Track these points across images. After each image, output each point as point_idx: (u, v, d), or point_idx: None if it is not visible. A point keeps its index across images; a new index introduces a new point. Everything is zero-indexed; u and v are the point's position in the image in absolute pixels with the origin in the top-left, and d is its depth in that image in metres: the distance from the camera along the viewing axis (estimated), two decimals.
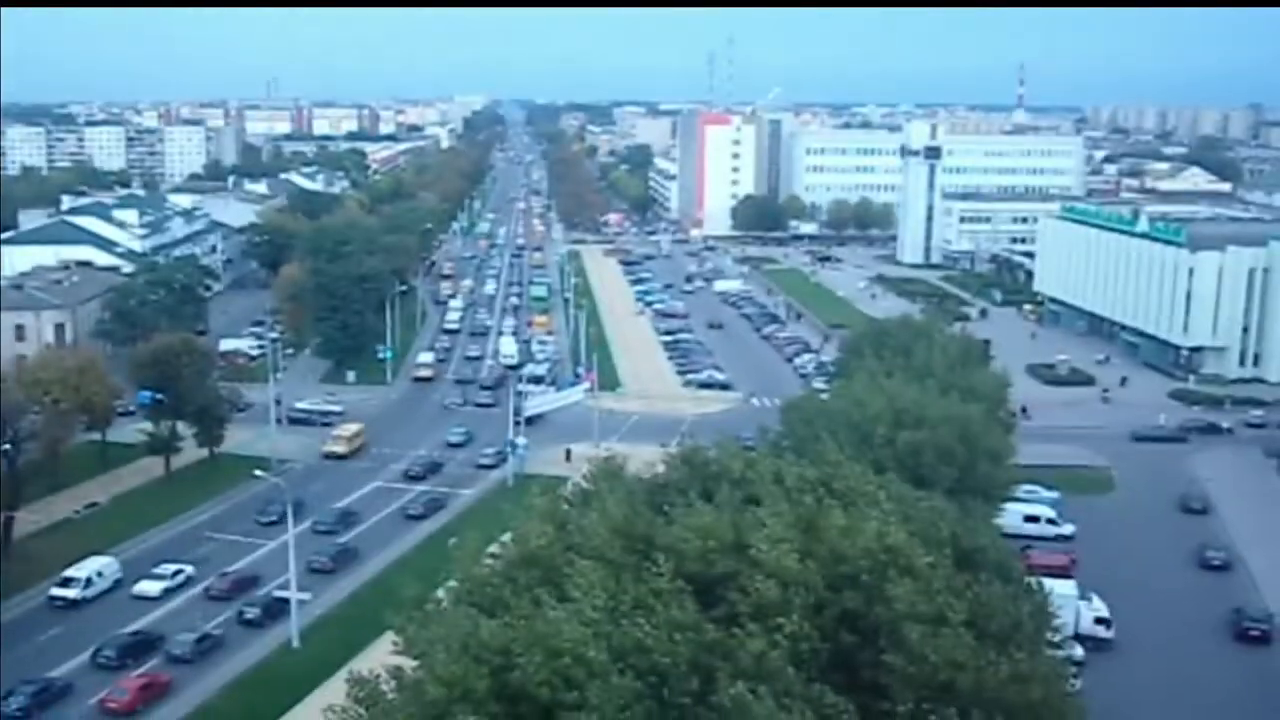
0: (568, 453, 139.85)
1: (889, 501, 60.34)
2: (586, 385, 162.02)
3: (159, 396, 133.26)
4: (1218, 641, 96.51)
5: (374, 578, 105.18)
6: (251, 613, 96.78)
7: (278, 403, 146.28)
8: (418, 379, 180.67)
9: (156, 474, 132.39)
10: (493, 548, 60.32)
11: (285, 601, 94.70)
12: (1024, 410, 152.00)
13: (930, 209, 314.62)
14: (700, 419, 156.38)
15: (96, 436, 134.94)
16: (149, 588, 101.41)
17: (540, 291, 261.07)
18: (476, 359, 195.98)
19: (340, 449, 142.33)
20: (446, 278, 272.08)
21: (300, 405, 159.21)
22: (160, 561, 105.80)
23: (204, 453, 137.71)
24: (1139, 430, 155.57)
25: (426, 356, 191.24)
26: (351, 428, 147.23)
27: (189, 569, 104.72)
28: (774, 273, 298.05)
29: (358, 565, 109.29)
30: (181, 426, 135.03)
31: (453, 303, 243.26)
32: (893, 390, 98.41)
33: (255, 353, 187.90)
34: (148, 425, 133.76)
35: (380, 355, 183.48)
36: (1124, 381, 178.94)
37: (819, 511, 56.36)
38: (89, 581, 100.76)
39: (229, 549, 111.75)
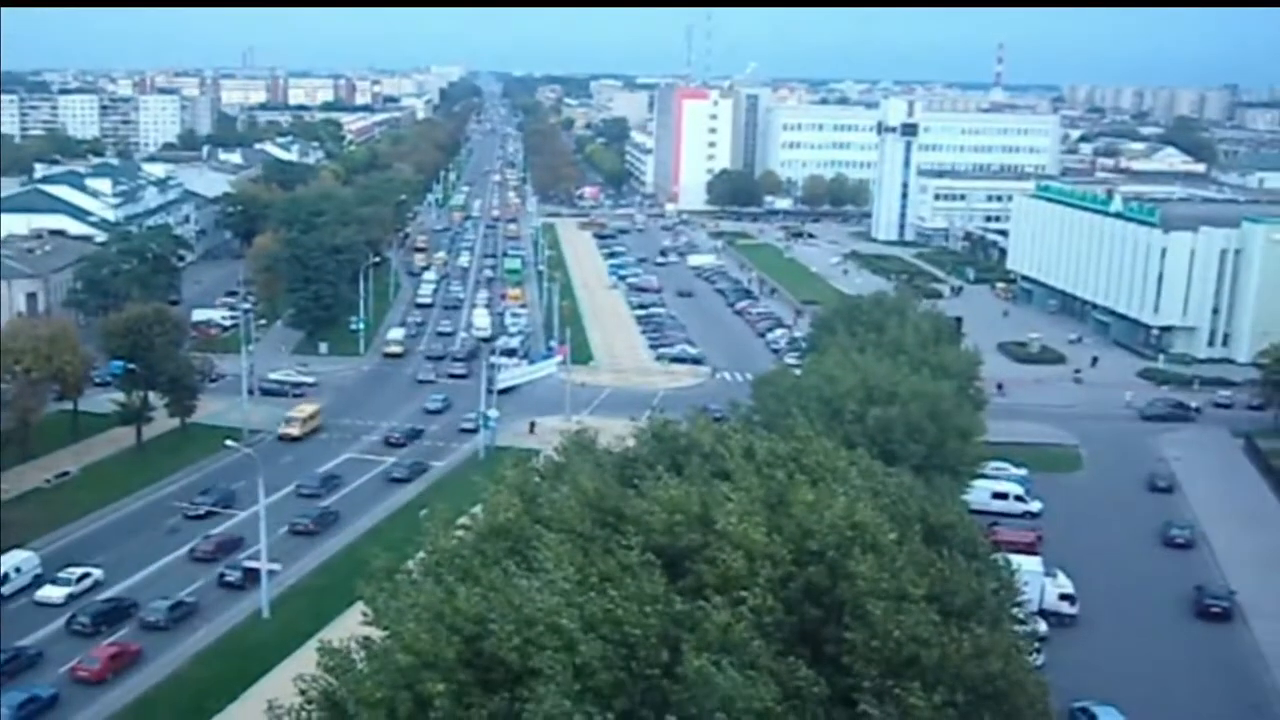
0: (531, 425, 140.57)
1: (858, 477, 60.75)
2: (559, 358, 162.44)
3: (131, 366, 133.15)
4: (1179, 618, 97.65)
5: (347, 547, 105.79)
6: (232, 575, 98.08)
7: (251, 373, 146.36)
8: (388, 355, 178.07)
9: (128, 444, 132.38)
10: (463, 519, 60.73)
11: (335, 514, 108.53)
12: (1000, 387, 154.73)
13: (905, 186, 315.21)
14: (672, 393, 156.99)
15: (68, 406, 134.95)
16: (52, 593, 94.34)
17: (514, 264, 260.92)
18: (448, 335, 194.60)
19: (294, 431, 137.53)
20: (420, 250, 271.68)
21: (273, 376, 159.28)
22: (66, 565, 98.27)
23: (175, 423, 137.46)
24: (1146, 410, 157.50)
25: (396, 333, 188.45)
26: (307, 408, 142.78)
27: (97, 573, 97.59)
28: (748, 248, 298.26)
29: (339, 528, 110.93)
30: (153, 397, 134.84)
31: (426, 275, 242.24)
32: (864, 366, 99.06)
33: (228, 323, 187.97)
34: (119, 395, 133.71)
35: (353, 327, 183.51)
36: (1095, 361, 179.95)
37: (788, 486, 56.68)
38: (4, 578, 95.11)
39: (199, 518, 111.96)
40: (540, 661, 44.46)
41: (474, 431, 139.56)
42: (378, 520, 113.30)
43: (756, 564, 50.75)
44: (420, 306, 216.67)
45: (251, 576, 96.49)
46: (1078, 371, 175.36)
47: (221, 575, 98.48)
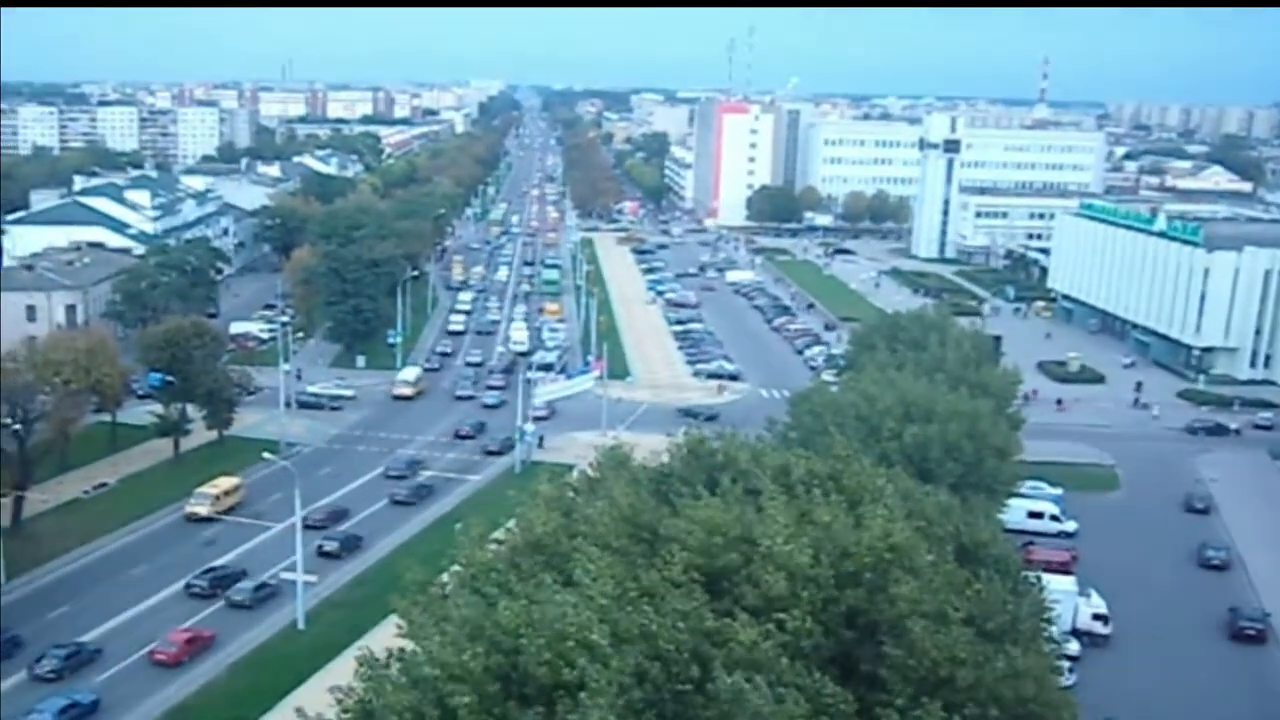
0: (540, 439, 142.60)
1: (895, 497, 61.31)
2: (596, 373, 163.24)
3: (169, 378, 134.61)
4: (1213, 640, 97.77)
5: (379, 562, 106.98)
6: (330, 545, 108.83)
7: (289, 386, 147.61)
8: (398, 398, 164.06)
9: (165, 455, 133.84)
10: (497, 533, 61.61)
11: (358, 539, 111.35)
12: (1059, 402, 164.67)
13: (947, 203, 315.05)
14: (709, 409, 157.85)
15: (106, 418, 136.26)
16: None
17: (552, 275, 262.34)
18: (477, 365, 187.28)
19: (202, 510, 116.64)
20: (458, 263, 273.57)
21: (310, 389, 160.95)
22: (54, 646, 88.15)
23: (213, 435, 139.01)
24: (1192, 423, 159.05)
25: (409, 373, 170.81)
26: (225, 483, 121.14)
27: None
28: (787, 264, 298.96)
29: (369, 545, 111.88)
30: (191, 409, 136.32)
31: (461, 296, 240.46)
32: (902, 384, 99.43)
33: (266, 336, 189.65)
34: (157, 407, 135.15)
35: (390, 340, 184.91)
36: (1139, 387, 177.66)
37: (826, 507, 57.31)
38: None
39: (233, 532, 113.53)
40: (572, 675, 44.91)
41: (498, 454, 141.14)
42: (408, 537, 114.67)
43: (798, 586, 51.34)
44: (452, 334, 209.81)
45: (349, 545, 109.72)
46: (1140, 400, 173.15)
47: (320, 546, 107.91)
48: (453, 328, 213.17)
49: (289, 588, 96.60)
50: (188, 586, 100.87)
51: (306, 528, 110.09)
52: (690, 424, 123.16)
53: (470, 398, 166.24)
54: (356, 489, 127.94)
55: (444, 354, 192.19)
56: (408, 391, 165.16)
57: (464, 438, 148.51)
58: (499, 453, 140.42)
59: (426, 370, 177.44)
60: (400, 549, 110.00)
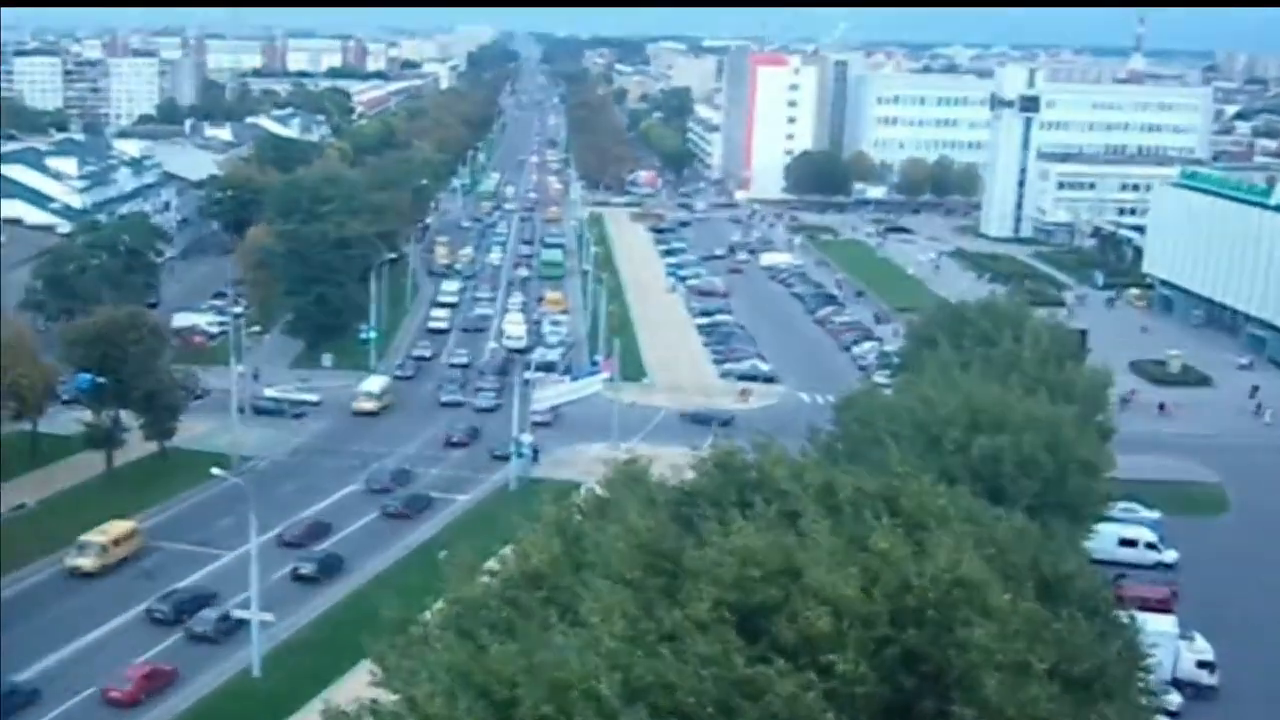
0: (535, 453, 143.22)
1: (961, 521, 61.15)
2: (605, 375, 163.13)
3: (100, 380, 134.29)
4: None
5: (352, 594, 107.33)
6: (307, 568, 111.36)
7: (243, 389, 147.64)
8: (359, 413, 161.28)
9: (97, 471, 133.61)
10: (490, 563, 61.63)
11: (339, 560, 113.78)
12: (1161, 407, 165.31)
13: (1023, 172, 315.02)
14: (740, 416, 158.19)
15: (26, 427, 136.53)
16: None
17: (554, 257, 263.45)
18: (464, 367, 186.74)
19: (87, 563, 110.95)
20: (443, 245, 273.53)
21: (268, 393, 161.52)
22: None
23: (153, 447, 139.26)
24: None
25: (374, 382, 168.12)
26: (117, 529, 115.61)
27: None
28: (832, 245, 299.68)
29: (343, 574, 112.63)
30: (126, 416, 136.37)
31: (445, 285, 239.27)
32: (969, 387, 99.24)
33: (215, 330, 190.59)
34: (87, 414, 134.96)
35: (363, 336, 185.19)
36: (1255, 391, 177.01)
37: (879, 532, 57.01)
38: None
39: (180, 560, 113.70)
40: None
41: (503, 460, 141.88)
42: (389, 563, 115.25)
43: (846, 624, 51.16)
44: (432, 333, 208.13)
45: (328, 567, 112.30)
46: (1259, 406, 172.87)
47: (295, 569, 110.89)
48: (434, 324, 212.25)
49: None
50: (149, 612, 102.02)
51: (284, 545, 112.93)
52: (709, 431, 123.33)
53: (458, 404, 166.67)
54: (334, 504, 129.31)
55: (421, 358, 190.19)
56: (370, 406, 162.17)
57: (456, 445, 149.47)
58: (506, 458, 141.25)
59: (398, 379, 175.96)
60: (384, 575, 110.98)
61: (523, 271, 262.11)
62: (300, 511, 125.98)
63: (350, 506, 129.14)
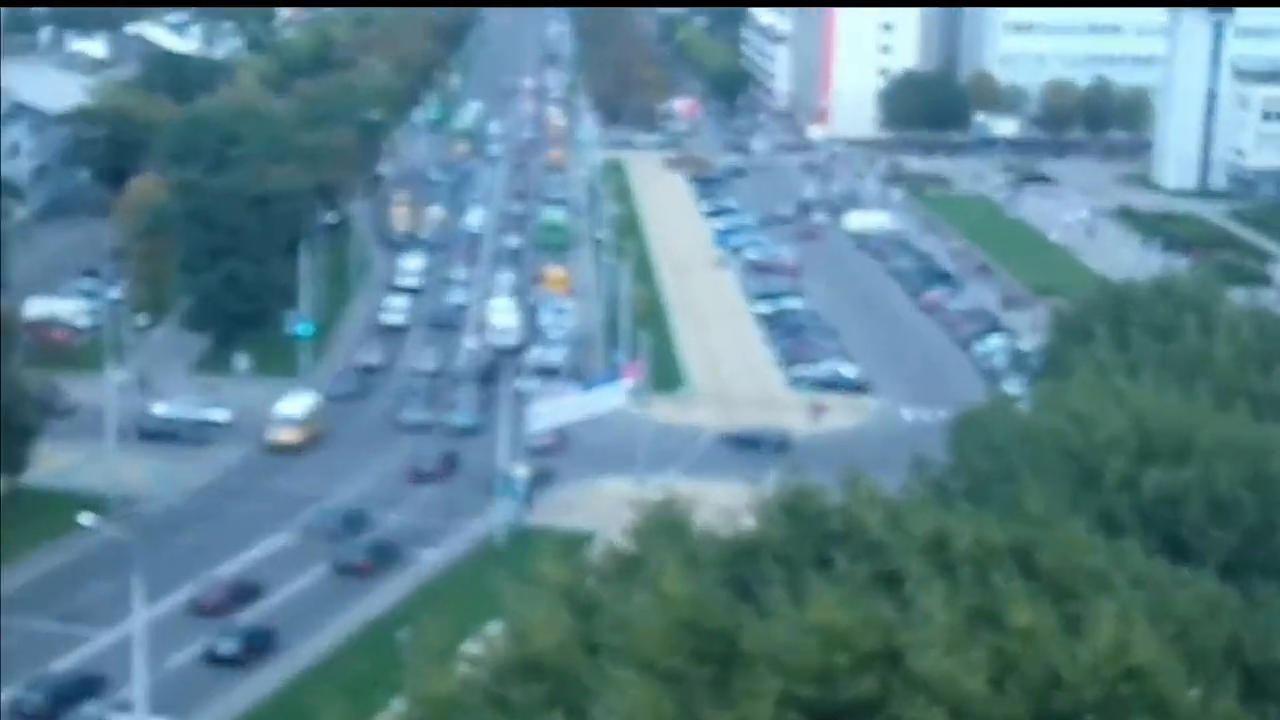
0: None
1: (1128, 586, 60.50)
2: (629, 383, 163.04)
3: None
4: None
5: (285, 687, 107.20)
6: (227, 647, 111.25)
7: (137, 397, 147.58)
8: (276, 447, 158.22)
9: None
10: (470, 646, 61.27)
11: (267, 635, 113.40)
12: None
13: (1213, 98, 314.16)
14: (816, 439, 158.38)
15: None
16: None
17: (556, 218, 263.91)
18: (433, 375, 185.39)
19: None
20: (402, 205, 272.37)
21: (159, 410, 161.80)
22: None
23: None
24: None
25: (294, 405, 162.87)
26: None
27: None
28: (945, 201, 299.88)
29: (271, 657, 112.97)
30: None
31: (405, 262, 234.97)
32: (1139, 400, 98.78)
33: (84, 323, 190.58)
34: None
35: (292, 330, 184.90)
36: None
37: (1016, 603, 56.39)
38: None
39: (38, 644, 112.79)
40: None
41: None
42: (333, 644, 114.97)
43: None
44: (387, 331, 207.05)
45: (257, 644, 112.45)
46: None
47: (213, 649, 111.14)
48: (388, 319, 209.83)
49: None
50: (15, 704, 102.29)
51: (199, 613, 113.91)
52: (764, 460, 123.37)
53: (425, 426, 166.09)
54: (260, 557, 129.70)
55: (367, 369, 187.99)
56: (291, 437, 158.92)
57: (425, 479, 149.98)
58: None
59: (333, 400, 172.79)
60: (329, 658, 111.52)
61: (513, 239, 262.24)
62: (210, 567, 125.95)
63: (283, 561, 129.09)
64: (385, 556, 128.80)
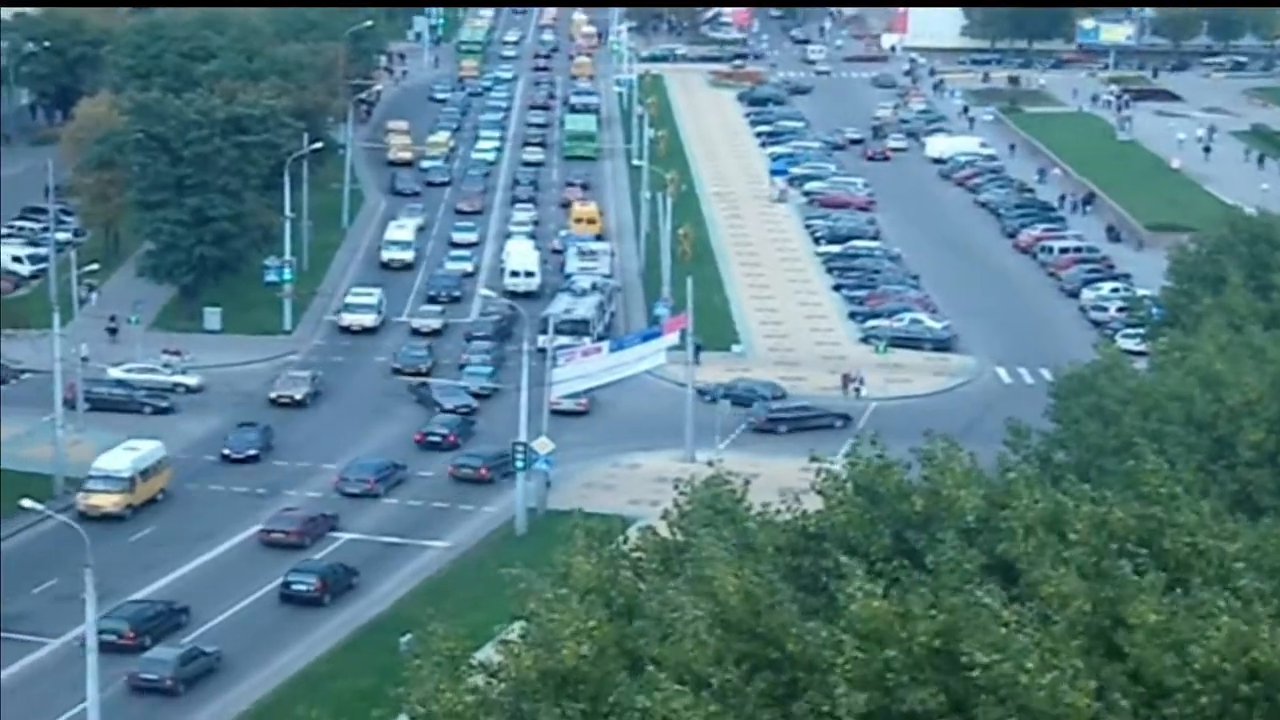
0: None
1: (1265, 573, 59.95)
2: (671, 338, 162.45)
3: None
4: None
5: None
6: (154, 674, 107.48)
7: (84, 361, 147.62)
8: (90, 513, 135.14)
9: None
10: (488, 652, 60.80)
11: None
12: None
13: None
14: (891, 406, 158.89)
15: None
16: None
17: (584, 125, 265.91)
18: (434, 335, 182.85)
19: None
20: (397, 132, 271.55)
21: (115, 373, 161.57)
22: None
23: None
24: None
25: (119, 459, 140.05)
26: None
27: None
28: (1045, 121, 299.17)
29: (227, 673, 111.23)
30: None
31: (399, 225, 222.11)
32: (1278, 356, 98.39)
33: (26, 270, 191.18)
34: None
35: (270, 278, 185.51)
36: None
37: (1127, 594, 55.88)
38: None
39: None
40: None
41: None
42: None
43: None
44: (387, 267, 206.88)
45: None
46: None
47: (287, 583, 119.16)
48: (355, 300, 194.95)
49: None
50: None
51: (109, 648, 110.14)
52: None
53: (425, 393, 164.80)
54: (210, 566, 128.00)
55: (348, 331, 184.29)
56: (111, 503, 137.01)
57: (436, 446, 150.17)
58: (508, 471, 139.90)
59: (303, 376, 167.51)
60: (306, 672, 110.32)
61: (533, 163, 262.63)
62: (177, 564, 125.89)
63: (239, 571, 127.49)
64: (342, 583, 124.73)
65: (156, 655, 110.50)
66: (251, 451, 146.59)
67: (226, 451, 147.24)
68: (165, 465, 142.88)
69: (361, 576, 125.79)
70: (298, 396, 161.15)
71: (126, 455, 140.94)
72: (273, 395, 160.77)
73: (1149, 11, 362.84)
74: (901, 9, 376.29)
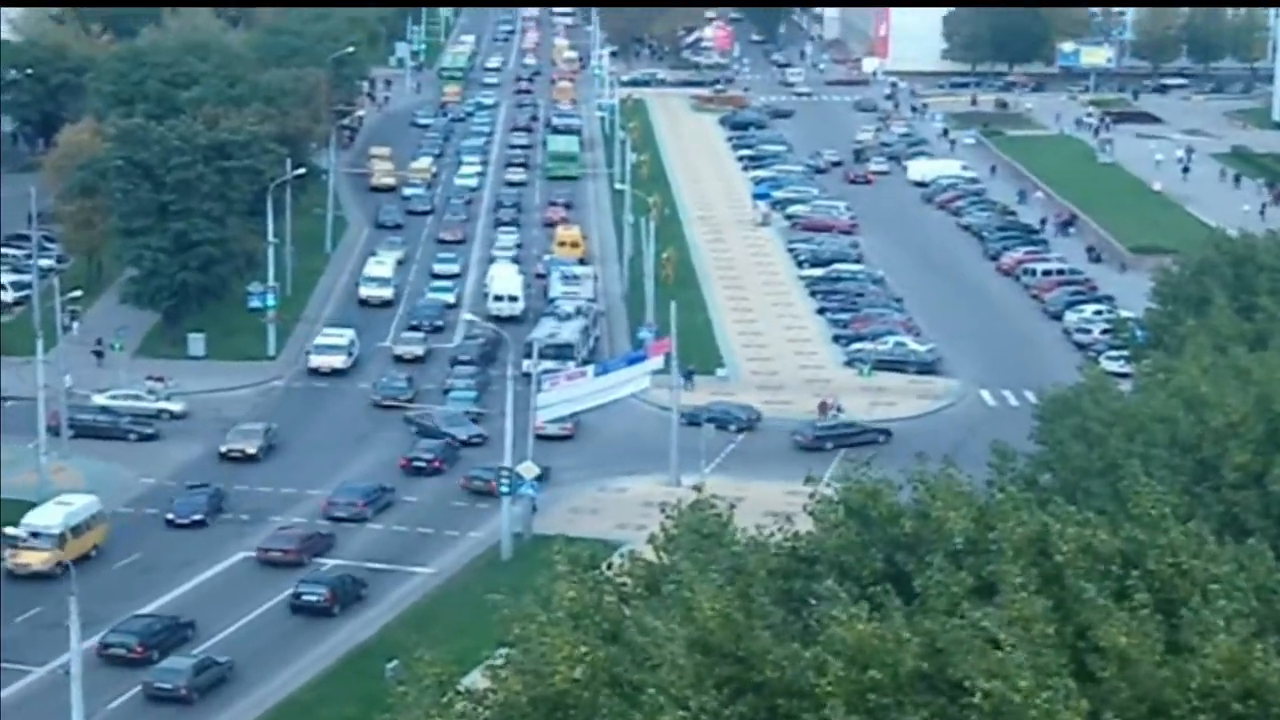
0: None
1: (1255, 595, 60.11)
2: (654, 361, 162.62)
3: None
4: None
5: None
6: (168, 683, 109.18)
7: (68, 388, 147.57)
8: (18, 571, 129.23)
9: None
10: (474, 679, 60.81)
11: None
12: None
13: None
14: (840, 422, 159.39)
15: None
16: None
17: (566, 146, 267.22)
18: (415, 361, 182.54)
19: None
20: (380, 157, 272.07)
21: (100, 400, 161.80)
22: None
23: None
24: None
25: (49, 515, 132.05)
26: None
27: None
28: (1027, 144, 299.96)
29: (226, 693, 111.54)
30: None
31: (378, 261, 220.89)
32: (1264, 377, 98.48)
33: (10, 296, 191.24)
34: None
35: (254, 303, 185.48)
36: None
37: (1112, 616, 55.59)
38: None
39: None
40: None
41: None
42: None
43: None
44: (365, 305, 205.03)
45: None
46: None
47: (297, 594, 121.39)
48: (367, 291, 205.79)
49: None
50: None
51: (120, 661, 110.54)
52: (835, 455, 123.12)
53: (429, 424, 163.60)
54: (206, 586, 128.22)
55: (317, 373, 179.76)
56: (38, 560, 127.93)
57: (421, 471, 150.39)
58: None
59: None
60: (294, 697, 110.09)
61: (514, 184, 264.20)
62: (163, 591, 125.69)
63: (237, 589, 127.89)
64: (351, 595, 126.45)
65: (171, 665, 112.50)
66: (197, 516, 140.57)
67: (170, 516, 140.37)
68: (99, 521, 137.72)
69: (370, 588, 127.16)
70: (250, 450, 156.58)
71: (58, 511, 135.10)
72: (223, 449, 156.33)
73: (1129, 34, 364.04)
74: (883, 33, 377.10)
